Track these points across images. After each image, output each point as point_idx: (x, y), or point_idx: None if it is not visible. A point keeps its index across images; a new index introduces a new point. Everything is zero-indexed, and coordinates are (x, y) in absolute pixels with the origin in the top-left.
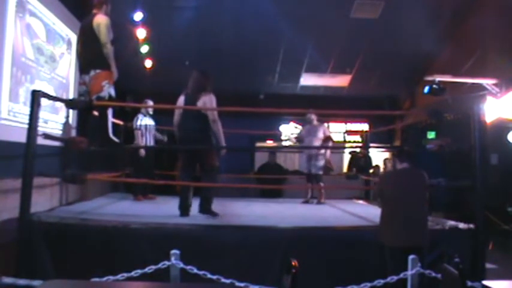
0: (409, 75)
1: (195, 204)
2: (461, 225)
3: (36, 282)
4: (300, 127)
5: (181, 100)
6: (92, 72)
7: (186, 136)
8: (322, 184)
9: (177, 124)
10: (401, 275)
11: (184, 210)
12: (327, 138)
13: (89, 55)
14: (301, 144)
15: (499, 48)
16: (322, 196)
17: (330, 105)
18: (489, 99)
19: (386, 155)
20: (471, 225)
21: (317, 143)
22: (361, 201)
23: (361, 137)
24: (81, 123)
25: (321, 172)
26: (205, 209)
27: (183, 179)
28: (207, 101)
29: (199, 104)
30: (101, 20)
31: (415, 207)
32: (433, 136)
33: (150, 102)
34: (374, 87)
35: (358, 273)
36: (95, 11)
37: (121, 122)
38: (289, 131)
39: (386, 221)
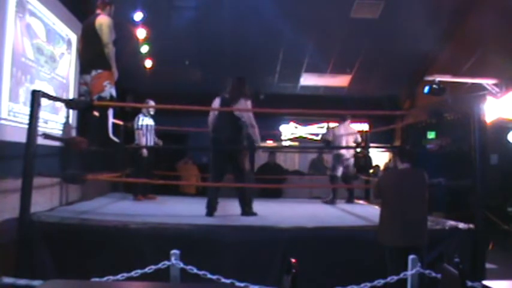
0: (409, 75)
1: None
2: (461, 225)
3: (36, 282)
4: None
5: (216, 103)
6: (93, 72)
7: (219, 138)
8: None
9: (212, 126)
10: (401, 275)
11: (211, 210)
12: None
13: (91, 55)
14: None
15: (499, 48)
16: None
17: (330, 105)
18: (489, 99)
19: (388, 155)
20: (471, 225)
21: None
22: (361, 201)
23: (361, 137)
24: (81, 123)
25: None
26: (247, 212)
27: (213, 180)
28: (243, 106)
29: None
30: (103, 20)
31: (416, 208)
32: (433, 136)
33: (152, 102)
34: (374, 87)
35: (358, 273)
36: (98, 11)
37: (121, 122)
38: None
39: (386, 221)
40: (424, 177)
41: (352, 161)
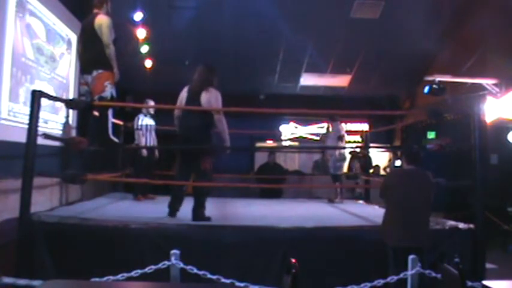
0: (409, 75)
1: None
2: (461, 225)
3: (36, 282)
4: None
5: (183, 94)
6: (94, 73)
7: (186, 134)
8: (338, 184)
9: (177, 119)
10: (401, 275)
11: (172, 210)
12: (339, 138)
13: (91, 55)
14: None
15: (499, 48)
16: (338, 196)
17: (330, 105)
18: (489, 99)
19: (388, 154)
20: (471, 225)
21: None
22: (361, 201)
23: (361, 137)
24: (81, 123)
25: (339, 172)
26: (198, 215)
27: (178, 179)
28: (212, 98)
29: (203, 100)
30: (102, 20)
31: (420, 209)
32: (433, 136)
33: (151, 102)
34: (374, 87)
35: (358, 273)
36: (95, 10)
37: (121, 122)
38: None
39: (390, 220)
40: (429, 178)
41: (333, 158)
